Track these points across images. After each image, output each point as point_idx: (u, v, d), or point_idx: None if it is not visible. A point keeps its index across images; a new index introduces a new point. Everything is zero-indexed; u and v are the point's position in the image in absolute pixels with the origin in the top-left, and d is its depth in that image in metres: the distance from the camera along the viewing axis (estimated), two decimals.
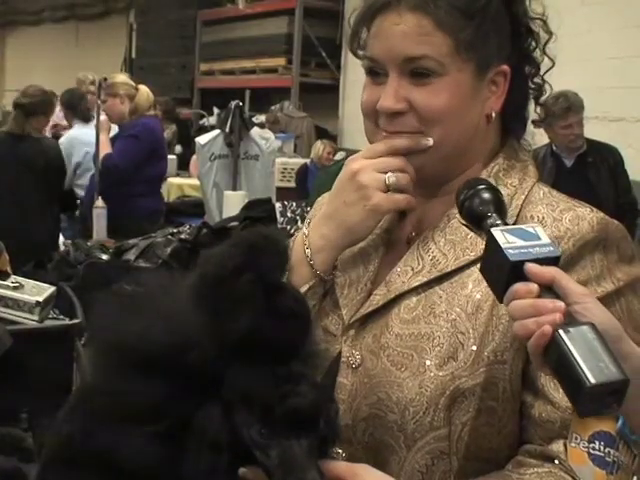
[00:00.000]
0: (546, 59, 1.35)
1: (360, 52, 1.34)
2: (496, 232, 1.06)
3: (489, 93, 1.30)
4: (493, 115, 1.31)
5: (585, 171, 5.27)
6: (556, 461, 1.16)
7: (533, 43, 1.33)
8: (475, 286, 1.23)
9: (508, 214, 1.17)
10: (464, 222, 1.21)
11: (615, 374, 0.96)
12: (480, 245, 1.22)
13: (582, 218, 1.24)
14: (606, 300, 1.19)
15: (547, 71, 1.35)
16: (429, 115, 1.26)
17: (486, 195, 1.14)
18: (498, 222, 1.10)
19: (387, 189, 1.27)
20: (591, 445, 1.14)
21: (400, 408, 1.20)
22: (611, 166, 5.37)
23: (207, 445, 0.94)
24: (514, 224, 1.20)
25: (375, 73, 1.30)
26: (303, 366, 1.00)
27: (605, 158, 5.38)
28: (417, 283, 1.26)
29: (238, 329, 0.94)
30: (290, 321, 0.98)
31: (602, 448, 1.14)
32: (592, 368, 0.96)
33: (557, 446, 1.17)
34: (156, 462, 0.94)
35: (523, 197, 1.29)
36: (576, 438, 1.15)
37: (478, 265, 1.20)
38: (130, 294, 1.04)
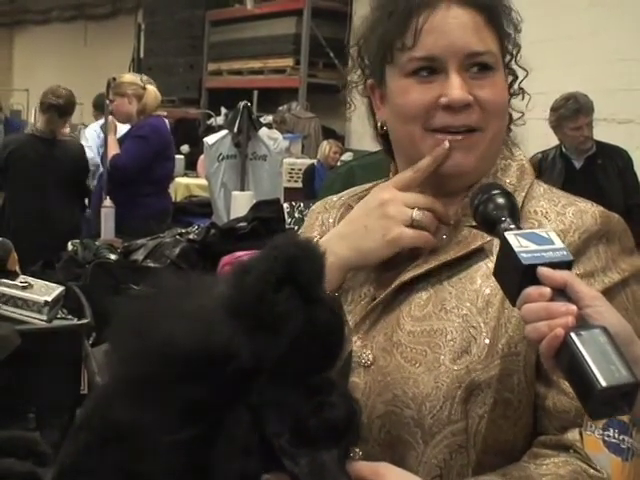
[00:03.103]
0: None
1: (400, 55, 1.28)
2: (509, 236, 1.07)
3: None
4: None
5: (594, 173, 5.26)
6: (571, 450, 1.17)
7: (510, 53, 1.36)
8: (484, 281, 1.24)
9: None
10: (473, 225, 1.23)
11: (626, 377, 0.96)
12: (481, 238, 1.25)
13: (585, 212, 1.26)
14: (613, 290, 1.21)
15: (522, 79, 1.36)
16: (493, 108, 1.27)
17: (500, 200, 1.15)
18: (512, 226, 1.10)
19: (411, 224, 1.27)
20: (606, 432, 1.15)
21: (417, 403, 1.20)
22: (620, 168, 5.37)
23: (237, 451, 0.93)
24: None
25: (425, 72, 1.27)
26: (333, 374, 0.99)
27: (614, 160, 5.37)
28: (421, 270, 1.27)
29: (280, 345, 0.93)
30: (328, 335, 0.97)
31: (617, 435, 1.15)
32: (603, 371, 0.96)
33: (572, 434, 1.18)
34: (182, 470, 0.93)
35: (524, 194, 1.30)
36: (591, 426, 1.16)
37: (485, 260, 1.24)
38: (151, 297, 1.02)
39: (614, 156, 5.41)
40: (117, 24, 17.02)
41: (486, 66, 1.27)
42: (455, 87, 1.25)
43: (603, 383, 0.95)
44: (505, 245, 1.07)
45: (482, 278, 1.24)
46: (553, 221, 1.25)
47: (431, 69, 1.26)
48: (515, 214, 1.14)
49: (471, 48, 1.25)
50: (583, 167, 5.35)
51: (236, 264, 1.00)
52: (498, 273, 1.10)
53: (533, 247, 1.05)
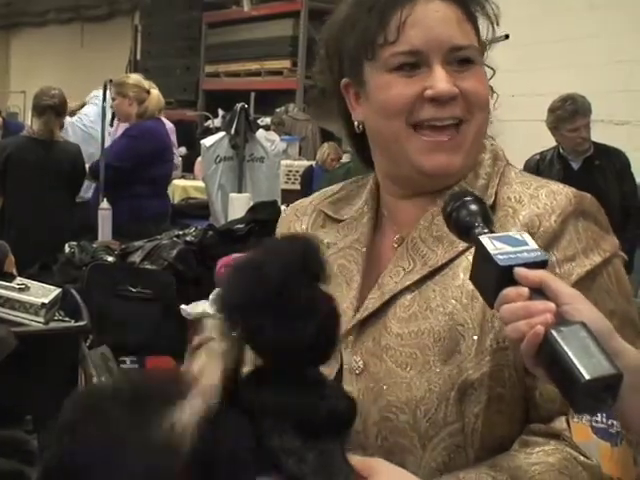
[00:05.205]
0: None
1: (381, 51, 1.27)
2: (484, 239, 1.08)
3: None
4: None
5: (592, 174, 5.26)
6: (560, 438, 1.17)
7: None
8: (466, 275, 1.21)
9: (485, 199, 1.19)
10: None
11: (608, 369, 0.97)
12: None
13: (558, 193, 1.26)
14: (594, 272, 1.22)
15: (490, 78, 1.35)
16: (478, 100, 1.27)
17: (473, 206, 1.15)
18: (485, 231, 1.11)
19: None
20: (594, 418, 1.16)
21: (411, 408, 1.20)
22: (618, 169, 5.37)
23: (234, 454, 0.92)
24: (492, 207, 1.24)
25: (408, 67, 1.26)
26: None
27: (611, 161, 5.38)
28: (410, 282, 1.26)
29: (306, 336, 0.93)
30: (331, 325, 0.97)
31: (605, 420, 1.16)
32: (586, 364, 0.97)
33: (560, 423, 1.18)
34: (175, 471, 0.92)
35: (497, 180, 1.30)
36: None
37: (466, 254, 1.23)
38: None
39: (612, 157, 5.42)
40: (114, 26, 16.99)
41: (468, 60, 1.26)
42: (441, 79, 1.24)
43: (586, 376, 0.96)
44: (480, 249, 1.08)
45: (464, 272, 1.23)
46: (527, 205, 1.25)
47: (414, 63, 1.25)
48: (488, 219, 1.14)
49: (454, 42, 1.25)
50: (581, 168, 5.35)
51: (236, 263, 0.99)
52: (474, 277, 1.12)
53: (508, 249, 1.07)
